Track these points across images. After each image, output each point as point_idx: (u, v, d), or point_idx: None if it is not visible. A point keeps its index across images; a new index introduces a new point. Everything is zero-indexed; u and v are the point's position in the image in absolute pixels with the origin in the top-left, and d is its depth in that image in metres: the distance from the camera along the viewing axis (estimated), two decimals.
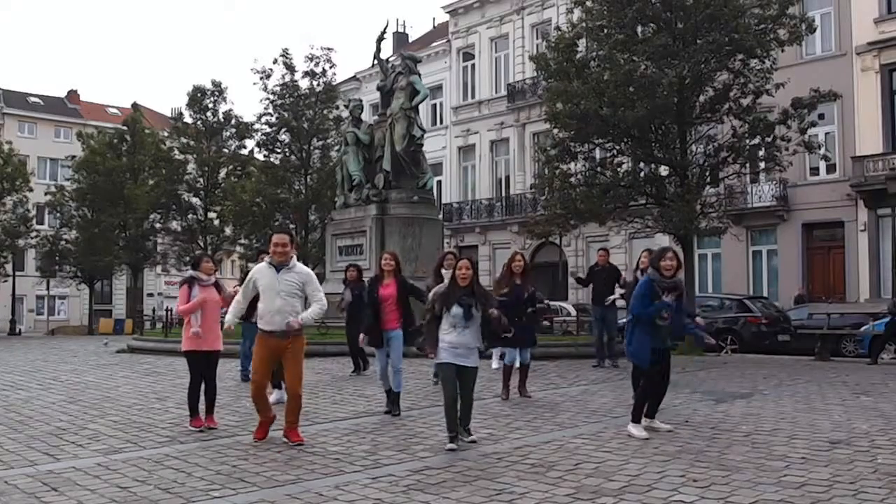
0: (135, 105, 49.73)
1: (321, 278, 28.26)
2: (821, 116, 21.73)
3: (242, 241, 39.27)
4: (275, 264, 7.09)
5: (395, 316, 8.80)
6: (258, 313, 7.15)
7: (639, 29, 18.90)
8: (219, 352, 8.26)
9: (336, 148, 31.19)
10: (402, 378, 8.93)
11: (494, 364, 10.30)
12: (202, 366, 8.11)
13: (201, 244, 40.66)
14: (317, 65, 36.44)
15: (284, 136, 36.78)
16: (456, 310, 6.88)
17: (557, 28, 22.07)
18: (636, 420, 7.48)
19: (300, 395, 7.25)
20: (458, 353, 6.90)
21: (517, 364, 10.13)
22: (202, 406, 8.13)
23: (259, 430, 7.31)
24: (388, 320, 8.79)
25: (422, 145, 21.28)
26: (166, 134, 43.67)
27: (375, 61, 23.71)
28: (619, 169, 19.95)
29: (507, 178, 37.71)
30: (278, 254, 7.06)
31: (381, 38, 23.25)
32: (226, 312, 7.89)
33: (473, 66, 39.75)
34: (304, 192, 36.04)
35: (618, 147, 19.47)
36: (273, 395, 9.42)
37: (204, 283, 8.06)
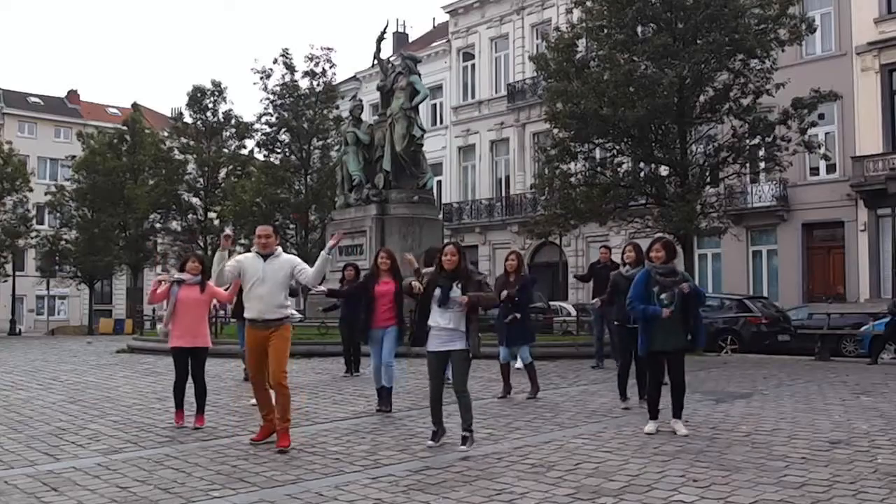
0: (135, 105, 49.71)
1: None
2: (821, 116, 21.73)
3: (242, 241, 39.26)
4: (261, 254, 7.08)
5: (391, 314, 8.83)
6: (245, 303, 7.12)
7: (639, 29, 18.91)
8: (206, 349, 8.24)
9: (336, 148, 31.19)
10: (395, 373, 9.07)
11: (518, 364, 10.38)
12: (187, 363, 8.14)
13: (201, 244, 40.67)
14: (317, 65, 36.46)
15: (284, 136, 36.78)
16: (436, 292, 6.88)
17: (557, 28, 22.08)
18: (651, 417, 7.64)
19: (284, 385, 6.92)
20: (443, 338, 6.88)
21: (517, 364, 10.15)
22: (192, 408, 8.19)
23: (261, 432, 7.23)
24: (384, 318, 8.81)
25: (422, 145, 21.27)
26: (166, 134, 43.67)
27: (375, 61, 23.68)
28: (619, 169, 19.97)
29: (507, 178, 37.71)
30: (262, 245, 7.04)
31: (381, 38, 23.24)
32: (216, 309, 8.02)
33: (473, 66, 39.75)
34: (304, 192, 36.04)
35: (618, 147, 19.49)
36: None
37: (188, 283, 8.13)
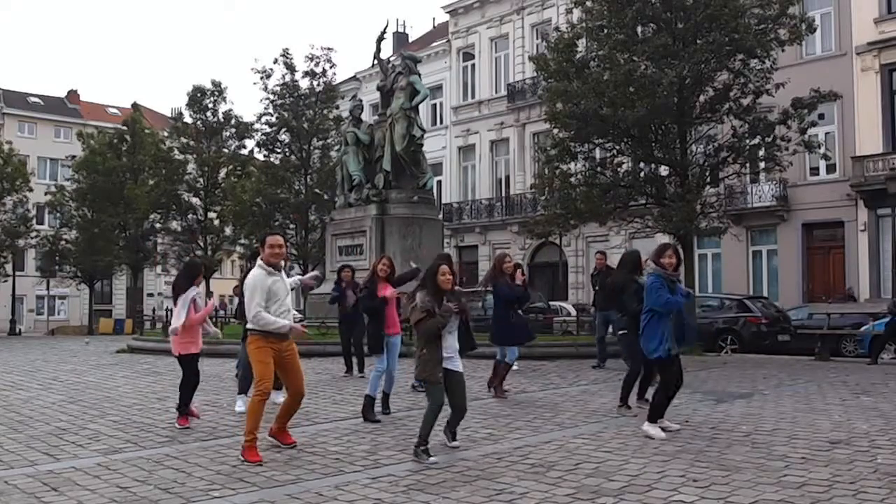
0: (135, 105, 49.69)
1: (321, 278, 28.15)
2: (821, 116, 21.71)
3: (242, 241, 39.26)
4: (275, 267, 6.88)
5: (396, 320, 8.82)
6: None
7: (639, 29, 18.88)
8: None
9: (336, 148, 31.19)
10: (395, 377, 9.10)
11: (515, 365, 10.39)
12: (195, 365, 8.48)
13: (201, 244, 40.66)
14: (317, 65, 36.44)
15: (284, 136, 36.76)
16: (454, 319, 6.77)
17: (557, 28, 22.05)
18: (652, 419, 7.44)
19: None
20: (447, 356, 6.74)
21: (515, 365, 10.20)
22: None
23: (255, 452, 6.59)
24: (392, 324, 8.79)
25: (422, 145, 21.26)
26: (166, 134, 43.66)
27: (375, 61, 23.69)
28: (619, 169, 19.94)
29: (507, 178, 37.71)
30: (277, 255, 6.88)
31: (381, 38, 23.24)
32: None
33: (473, 66, 39.75)
34: (304, 192, 36.03)
35: (618, 147, 19.46)
36: (280, 397, 9.46)
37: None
